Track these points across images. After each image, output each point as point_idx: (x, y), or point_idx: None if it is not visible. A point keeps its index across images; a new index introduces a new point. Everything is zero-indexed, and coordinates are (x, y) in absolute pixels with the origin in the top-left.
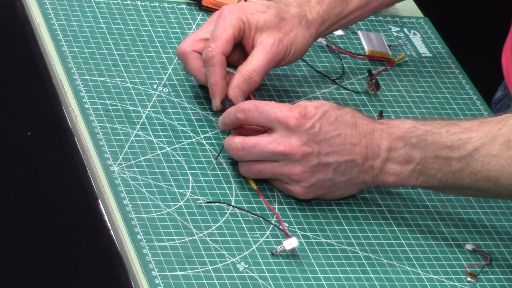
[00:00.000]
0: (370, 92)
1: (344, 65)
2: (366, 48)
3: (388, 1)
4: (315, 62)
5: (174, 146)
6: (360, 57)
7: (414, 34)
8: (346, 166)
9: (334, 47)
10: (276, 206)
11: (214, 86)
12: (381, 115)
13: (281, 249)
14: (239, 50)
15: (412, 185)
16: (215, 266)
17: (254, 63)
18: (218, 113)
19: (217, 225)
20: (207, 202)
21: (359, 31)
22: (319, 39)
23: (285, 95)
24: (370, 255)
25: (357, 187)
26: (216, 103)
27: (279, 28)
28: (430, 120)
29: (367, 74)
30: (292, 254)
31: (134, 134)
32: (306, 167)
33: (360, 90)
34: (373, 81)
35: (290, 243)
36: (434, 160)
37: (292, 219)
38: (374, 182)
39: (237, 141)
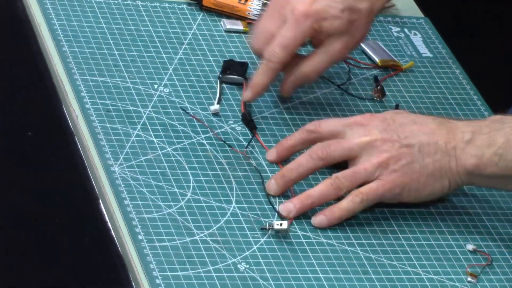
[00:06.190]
0: (375, 98)
1: (351, 73)
2: (375, 58)
3: None
4: None
5: (175, 146)
6: (372, 66)
7: (415, 34)
8: (429, 148)
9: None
10: (278, 207)
11: (257, 82)
12: (397, 107)
13: (270, 227)
14: None
15: (490, 172)
16: (216, 266)
17: (316, 65)
18: (218, 113)
19: (218, 225)
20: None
21: None
22: None
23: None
24: (371, 255)
25: (443, 179)
26: (248, 96)
27: (349, 33)
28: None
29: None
30: (292, 254)
31: (135, 134)
32: (393, 152)
33: (365, 97)
34: (378, 87)
35: (280, 224)
36: None
37: (293, 219)
38: (457, 167)
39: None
